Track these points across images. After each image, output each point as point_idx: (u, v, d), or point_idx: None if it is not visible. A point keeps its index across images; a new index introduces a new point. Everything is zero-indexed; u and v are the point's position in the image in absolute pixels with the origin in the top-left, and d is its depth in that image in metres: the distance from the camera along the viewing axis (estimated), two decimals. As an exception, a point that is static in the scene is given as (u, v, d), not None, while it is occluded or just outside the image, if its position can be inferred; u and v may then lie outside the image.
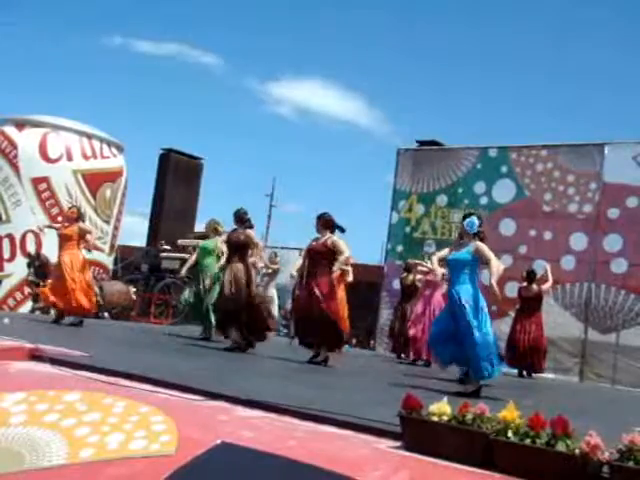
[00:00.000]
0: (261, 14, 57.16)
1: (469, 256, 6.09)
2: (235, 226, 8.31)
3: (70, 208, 10.04)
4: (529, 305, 10.38)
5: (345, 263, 8.44)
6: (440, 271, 7.78)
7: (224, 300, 7.97)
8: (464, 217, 6.45)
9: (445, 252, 6.43)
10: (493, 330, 6.12)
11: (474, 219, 6.23)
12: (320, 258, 7.51)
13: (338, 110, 65.88)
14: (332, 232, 7.58)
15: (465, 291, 5.97)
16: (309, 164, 61.33)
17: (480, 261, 6.19)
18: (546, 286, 10.42)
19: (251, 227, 8.29)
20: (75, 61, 56.99)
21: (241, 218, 8.22)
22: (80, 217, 9.48)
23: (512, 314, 11.81)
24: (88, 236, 9.40)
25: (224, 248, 8.77)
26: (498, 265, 6.16)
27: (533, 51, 55.27)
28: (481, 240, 6.23)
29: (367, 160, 60.08)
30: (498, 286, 6.14)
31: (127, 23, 57.74)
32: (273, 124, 59.50)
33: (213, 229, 9.69)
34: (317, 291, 7.36)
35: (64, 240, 9.24)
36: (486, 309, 6.01)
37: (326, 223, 7.58)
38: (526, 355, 10.14)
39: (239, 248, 8.12)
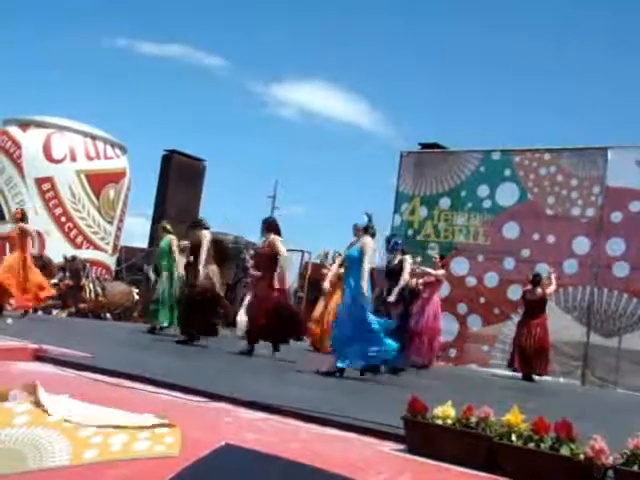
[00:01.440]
0: (264, 16, 57.10)
1: (357, 253, 6.47)
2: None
3: (17, 210, 10.46)
4: (534, 308, 10.35)
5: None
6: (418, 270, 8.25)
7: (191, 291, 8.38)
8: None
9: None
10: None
11: (364, 217, 6.67)
12: (262, 260, 8.16)
13: (341, 112, 65.91)
14: (276, 234, 8.04)
15: (354, 286, 6.35)
16: (312, 166, 61.29)
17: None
18: (550, 289, 10.42)
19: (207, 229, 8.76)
20: (79, 62, 56.93)
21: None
22: (23, 218, 9.80)
23: (514, 317, 11.83)
24: (29, 238, 9.80)
25: (175, 247, 9.52)
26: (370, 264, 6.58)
27: (536, 53, 55.22)
28: (372, 236, 6.63)
29: (370, 162, 59.99)
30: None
31: (131, 25, 57.66)
32: (276, 126, 59.46)
33: (162, 229, 10.11)
34: (260, 291, 8.08)
35: (10, 241, 9.83)
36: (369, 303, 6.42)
37: (270, 226, 8.14)
38: (532, 358, 10.11)
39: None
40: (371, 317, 6.35)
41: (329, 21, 57.03)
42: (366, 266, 6.38)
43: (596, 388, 11.11)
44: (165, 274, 9.69)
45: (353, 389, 5.87)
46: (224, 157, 55.46)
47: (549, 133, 50.70)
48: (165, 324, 9.59)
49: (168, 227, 10.02)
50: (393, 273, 8.01)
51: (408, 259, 8.36)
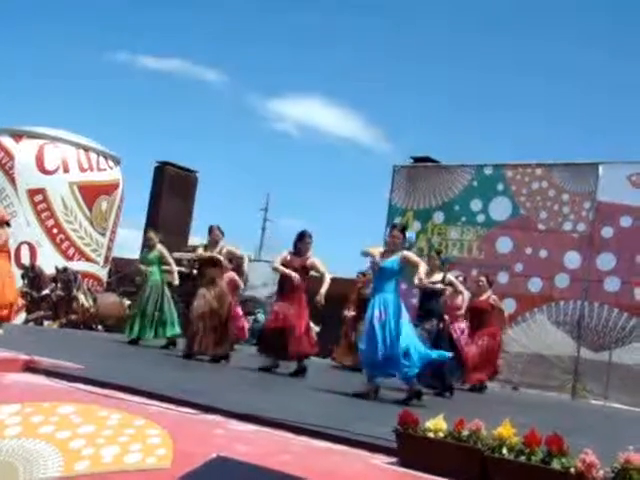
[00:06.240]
0: (264, 32, 57.42)
1: (396, 265, 6.13)
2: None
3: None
4: (481, 315, 9.51)
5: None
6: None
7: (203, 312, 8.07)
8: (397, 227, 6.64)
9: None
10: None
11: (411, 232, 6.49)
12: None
13: (338, 127, 66.14)
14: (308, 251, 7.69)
15: (392, 300, 6.05)
16: (308, 179, 61.47)
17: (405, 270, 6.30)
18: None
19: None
20: (79, 75, 57.15)
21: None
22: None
23: (507, 330, 11.88)
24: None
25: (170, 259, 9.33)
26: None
27: (533, 66, 55.64)
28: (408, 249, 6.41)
29: (365, 177, 60.28)
30: None
31: (132, 39, 57.92)
32: (272, 140, 59.66)
33: (150, 239, 9.78)
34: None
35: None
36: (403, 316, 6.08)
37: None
38: (477, 368, 9.35)
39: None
40: (411, 338, 6.02)
41: (328, 37, 57.43)
42: (423, 280, 6.15)
43: (586, 402, 11.14)
44: (153, 287, 9.53)
45: (345, 401, 5.86)
46: (219, 169, 55.66)
47: (541, 148, 50.97)
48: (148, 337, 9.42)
49: (158, 236, 9.73)
50: (428, 289, 7.72)
51: (450, 275, 8.25)
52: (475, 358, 9.28)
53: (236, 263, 8.64)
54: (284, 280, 7.70)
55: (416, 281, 6.20)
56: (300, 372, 7.57)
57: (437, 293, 7.89)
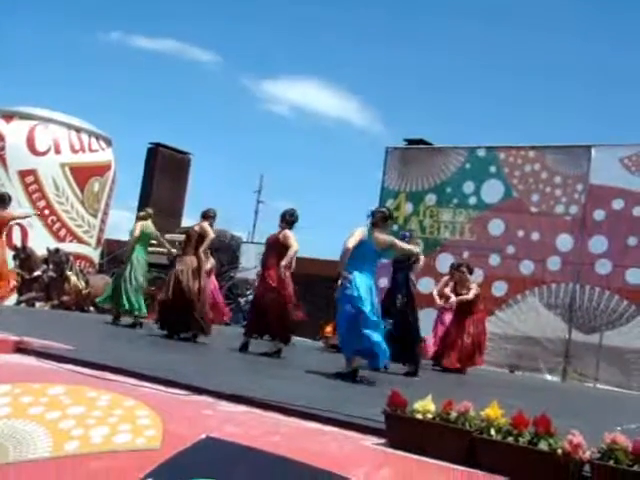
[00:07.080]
0: (260, 13, 56.90)
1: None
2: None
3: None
4: (467, 302, 9.46)
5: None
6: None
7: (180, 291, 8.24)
8: None
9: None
10: None
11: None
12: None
13: (333, 109, 65.81)
14: (288, 227, 7.82)
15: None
16: (303, 162, 61.21)
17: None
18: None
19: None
20: (72, 55, 56.55)
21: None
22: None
23: (498, 313, 11.93)
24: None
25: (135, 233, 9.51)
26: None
27: (524, 51, 55.46)
28: (372, 225, 6.36)
29: (360, 159, 60.07)
30: None
31: (126, 18, 57.24)
32: (267, 122, 59.28)
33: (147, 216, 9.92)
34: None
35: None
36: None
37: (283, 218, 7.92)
38: (468, 354, 9.33)
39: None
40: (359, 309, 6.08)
41: (324, 20, 57.04)
42: (346, 246, 6.16)
43: (577, 384, 11.21)
44: (131, 261, 9.69)
45: (335, 383, 5.88)
46: (213, 151, 55.40)
47: (535, 131, 50.93)
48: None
49: (145, 212, 9.90)
50: (397, 261, 8.02)
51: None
52: (468, 347, 9.34)
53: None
54: (264, 256, 8.08)
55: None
56: (277, 352, 7.67)
57: (403, 265, 8.09)
